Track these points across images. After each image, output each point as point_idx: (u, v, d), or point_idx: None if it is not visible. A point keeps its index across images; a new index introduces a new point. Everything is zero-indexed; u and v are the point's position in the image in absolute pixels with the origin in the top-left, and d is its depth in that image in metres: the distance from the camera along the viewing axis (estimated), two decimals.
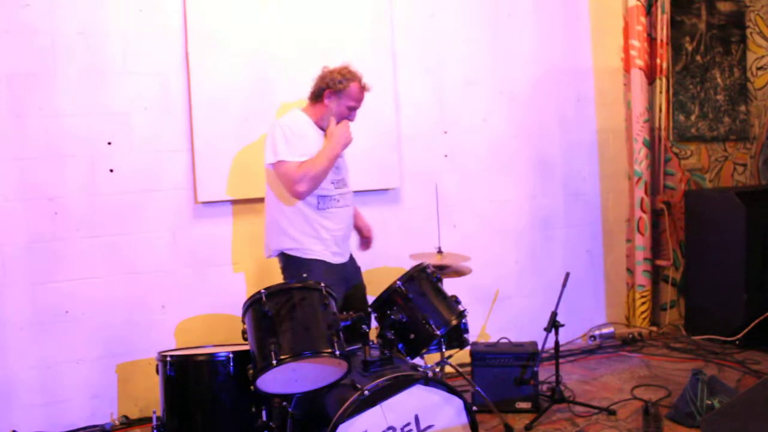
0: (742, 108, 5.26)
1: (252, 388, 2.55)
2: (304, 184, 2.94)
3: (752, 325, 4.41)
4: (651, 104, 4.84)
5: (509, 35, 4.42)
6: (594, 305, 4.82)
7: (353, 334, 2.76)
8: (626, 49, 4.79)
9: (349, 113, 3.15)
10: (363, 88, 3.15)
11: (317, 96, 3.14)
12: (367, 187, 3.95)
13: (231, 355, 2.71)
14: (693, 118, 5.06)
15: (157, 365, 2.80)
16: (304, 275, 2.96)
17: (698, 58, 5.07)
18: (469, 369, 3.63)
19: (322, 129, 3.13)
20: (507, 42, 4.42)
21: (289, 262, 3.10)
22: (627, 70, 4.80)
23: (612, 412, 3.46)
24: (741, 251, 4.49)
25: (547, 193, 4.61)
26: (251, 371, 2.55)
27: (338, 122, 3.11)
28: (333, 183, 3.12)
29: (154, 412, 2.75)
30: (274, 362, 2.47)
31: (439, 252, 3.48)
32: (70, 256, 3.48)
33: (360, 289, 3.29)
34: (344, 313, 2.78)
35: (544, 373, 3.83)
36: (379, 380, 2.56)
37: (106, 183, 3.53)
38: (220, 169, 3.70)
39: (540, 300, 4.49)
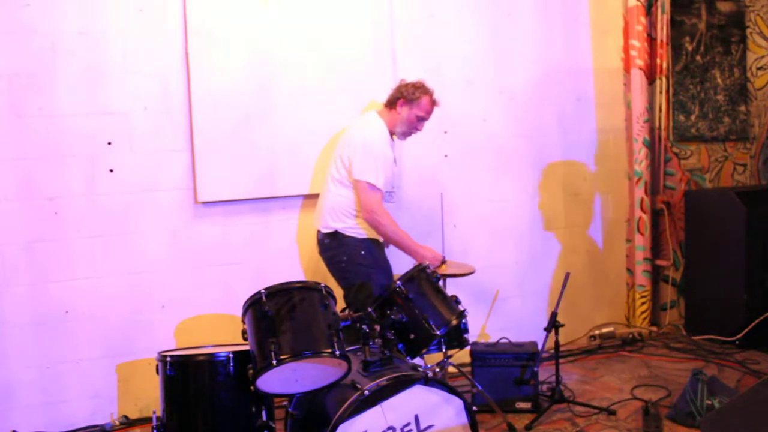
0: (742, 108, 5.26)
1: (252, 388, 2.56)
2: (373, 220, 3.33)
3: (752, 325, 4.41)
4: (651, 104, 4.84)
5: (509, 35, 4.42)
6: (594, 305, 4.82)
7: (353, 334, 2.77)
8: (626, 49, 4.79)
9: (417, 122, 3.51)
10: (433, 103, 3.53)
11: (391, 104, 3.50)
12: None
13: (231, 355, 2.71)
14: (693, 118, 5.06)
15: (157, 365, 2.80)
16: (362, 253, 3.36)
17: (698, 58, 5.07)
18: (469, 369, 3.63)
19: (392, 134, 3.51)
20: (507, 42, 4.42)
21: (345, 241, 3.40)
22: (627, 70, 4.80)
23: (612, 412, 3.46)
24: (741, 251, 4.49)
25: (547, 193, 4.61)
26: (251, 371, 2.55)
27: (407, 128, 3.49)
28: (392, 185, 3.53)
29: (154, 412, 2.75)
30: (274, 362, 2.47)
31: (443, 262, 3.47)
32: (70, 256, 3.49)
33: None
34: (344, 312, 2.79)
35: (544, 373, 3.83)
36: (379, 380, 2.56)
37: (106, 183, 3.54)
38: (221, 169, 3.70)
39: (540, 300, 4.50)
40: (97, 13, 3.47)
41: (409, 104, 3.45)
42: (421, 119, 3.51)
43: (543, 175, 4.58)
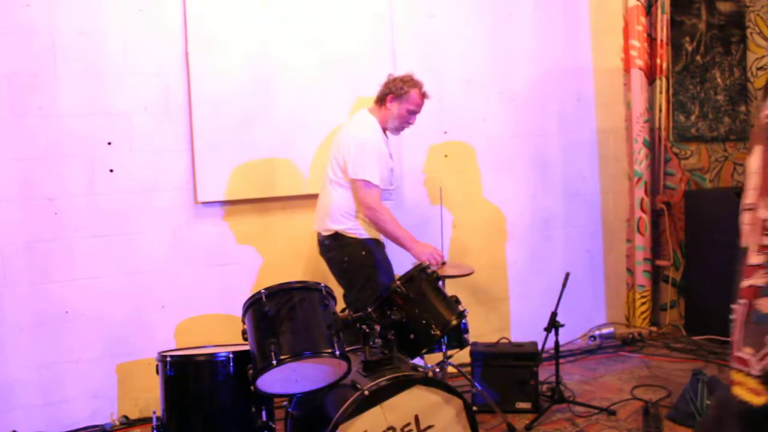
0: (742, 108, 5.26)
1: (252, 388, 2.55)
2: (374, 216, 3.33)
3: None
4: (651, 104, 4.84)
5: (509, 35, 4.42)
6: (594, 305, 4.82)
7: (353, 334, 2.77)
8: (626, 49, 4.79)
9: (409, 116, 3.47)
10: (423, 95, 3.46)
11: (381, 100, 3.46)
12: None
13: (231, 355, 2.70)
14: (693, 118, 5.06)
15: (157, 365, 2.79)
16: (363, 253, 3.36)
17: (698, 58, 5.07)
18: (468, 369, 3.63)
19: (385, 130, 3.48)
20: (507, 42, 4.42)
21: (346, 242, 3.39)
22: (627, 70, 4.80)
23: (612, 412, 3.46)
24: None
25: (547, 193, 4.61)
26: (251, 371, 2.55)
27: (399, 123, 3.45)
28: (391, 183, 3.50)
29: (154, 412, 2.74)
30: (274, 362, 2.47)
31: (443, 263, 3.47)
32: (70, 256, 3.49)
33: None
34: (344, 312, 2.78)
35: (544, 373, 3.83)
36: (379, 380, 2.56)
37: (106, 183, 3.54)
38: (220, 169, 3.70)
39: (540, 300, 4.48)
40: (97, 13, 3.48)
41: (399, 99, 3.41)
42: (413, 113, 3.46)
43: (543, 174, 4.57)
